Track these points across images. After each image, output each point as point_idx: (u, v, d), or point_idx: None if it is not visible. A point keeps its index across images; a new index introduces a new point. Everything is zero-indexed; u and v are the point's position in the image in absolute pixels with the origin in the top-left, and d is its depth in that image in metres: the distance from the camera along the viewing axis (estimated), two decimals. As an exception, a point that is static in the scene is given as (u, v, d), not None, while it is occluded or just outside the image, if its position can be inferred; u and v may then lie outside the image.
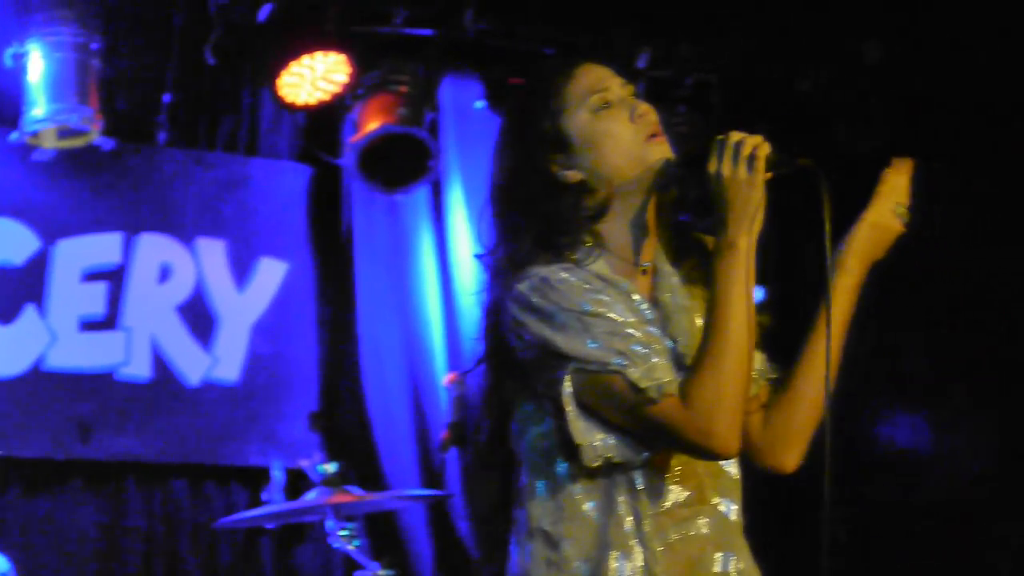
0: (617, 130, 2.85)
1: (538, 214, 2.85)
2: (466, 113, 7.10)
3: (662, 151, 2.86)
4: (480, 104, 6.94)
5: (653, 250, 2.91)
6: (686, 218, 2.93)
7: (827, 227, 2.77)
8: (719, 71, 7.08)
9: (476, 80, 6.97)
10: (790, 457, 2.94)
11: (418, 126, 6.67)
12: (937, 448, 6.72)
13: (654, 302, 2.87)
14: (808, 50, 7.01)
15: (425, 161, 6.70)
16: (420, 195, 7.05)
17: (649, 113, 2.88)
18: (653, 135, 2.86)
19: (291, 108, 6.51)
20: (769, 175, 2.74)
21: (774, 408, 2.96)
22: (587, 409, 2.72)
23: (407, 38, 6.67)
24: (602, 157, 2.85)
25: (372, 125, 6.59)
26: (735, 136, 2.75)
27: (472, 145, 7.19)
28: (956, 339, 6.54)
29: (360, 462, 6.63)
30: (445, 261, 7.13)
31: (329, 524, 5.32)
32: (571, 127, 2.87)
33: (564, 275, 2.75)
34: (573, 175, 2.86)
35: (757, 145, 2.73)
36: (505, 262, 2.84)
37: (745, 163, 2.72)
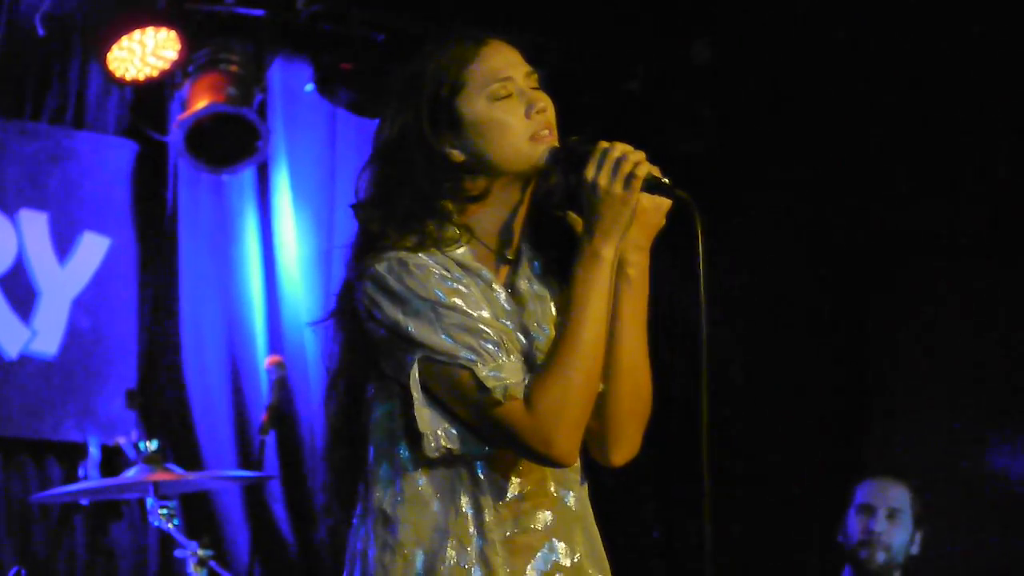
0: (510, 122, 2.82)
1: (417, 183, 2.83)
2: (295, 96, 7.09)
3: (543, 147, 2.84)
4: (310, 87, 6.93)
5: (520, 240, 2.92)
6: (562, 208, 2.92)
7: (700, 260, 2.79)
8: (547, 67, 7.12)
9: (307, 63, 6.95)
10: (616, 453, 2.93)
11: (247, 106, 6.63)
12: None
13: (511, 287, 2.88)
14: (636, 49, 7.11)
15: (253, 142, 6.66)
16: (246, 176, 7.01)
17: (547, 110, 2.85)
18: (544, 133, 2.83)
19: (120, 83, 6.44)
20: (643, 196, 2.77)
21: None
22: (433, 398, 2.73)
23: (239, 17, 6.63)
24: (488, 146, 2.82)
25: (200, 103, 6.54)
26: (618, 149, 2.74)
27: (300, 128, 7.19)
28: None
29: (177, 441, 6.58)
30: (269, 244, 7.11)
31: (149, 502, 5.29)
32: (465, 108, 2.83)
33: (423, 260, 2.75)
34: (456, 155, 2.84)
35: (638, 163, 2.73)
36: (374, 226, 2.82)
37: (623, 180, 2.72)
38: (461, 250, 2.83)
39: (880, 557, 5.48)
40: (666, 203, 2.88)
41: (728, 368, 7.01)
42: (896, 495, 5.52)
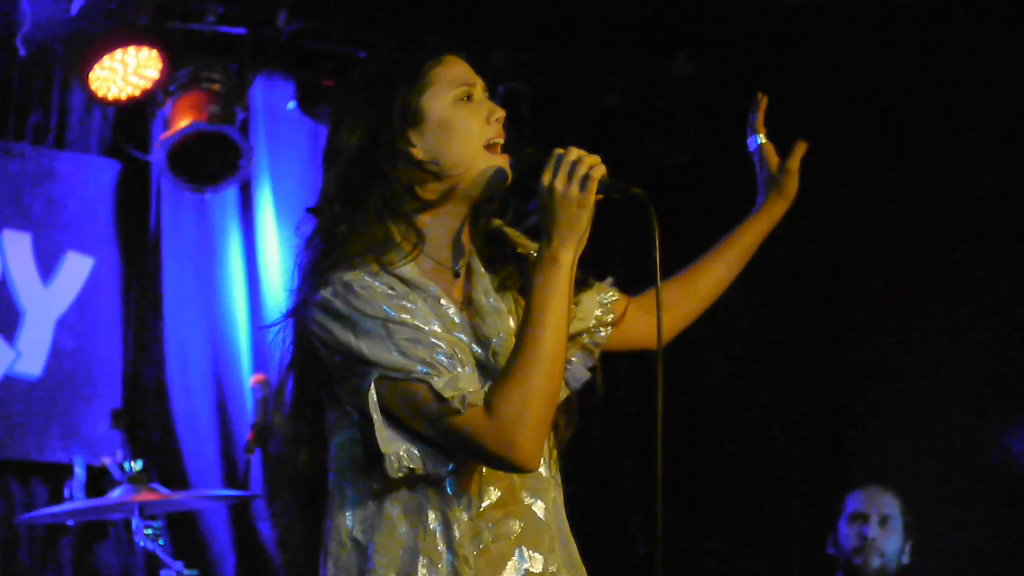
0: (471, 125, 2.87)
1: (384, 181, 2.84)
2: (277, 114, 7.10)
3: (498, 162, 2.88)
4: (292, 105, 6.93)
5: (467, 253, 2.93)
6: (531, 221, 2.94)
7: (656, 257, 2.84)
8: (530, 81, 7.16)
9: (288, 81, 6.96)
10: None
11: (229, 125, 6.63)
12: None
13: (467, 301, 2.89)
14: (618, 64, 7.13)
15: (235, 160, 6.66)
16: (229, 194, 7.01)
17: (502, 120, 2.90)
18: (496, 143, 2.88)
19: (102, 102, 6.45)
20: (600, 197, 2.77)
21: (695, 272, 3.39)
22: (392, 418, 2.72)
23: (220, 36, 6.64)
24: (448, 144, 2.85)
25: (183, 122, 6.54)
26: (573, 153, 2.77)
27: (282, 146, 7.19)
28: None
29: (162, 461, 6.58)
30: (253, 261, 7.11)
31: (135, 522, 5.28)
32: (430, 106, 2.86)
33: (368, 280, 2.74)
34: (417, 152, 2.85)
35: (593, 166, 2.75)
36: (342, 226, 2.82)
37: (579, 182, 2.74)
38: (407, 267, 2.82)
39: (875, 562, 5.48)
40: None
41: (710, 378, 7.02)
42: (887, 502, 5.53)
